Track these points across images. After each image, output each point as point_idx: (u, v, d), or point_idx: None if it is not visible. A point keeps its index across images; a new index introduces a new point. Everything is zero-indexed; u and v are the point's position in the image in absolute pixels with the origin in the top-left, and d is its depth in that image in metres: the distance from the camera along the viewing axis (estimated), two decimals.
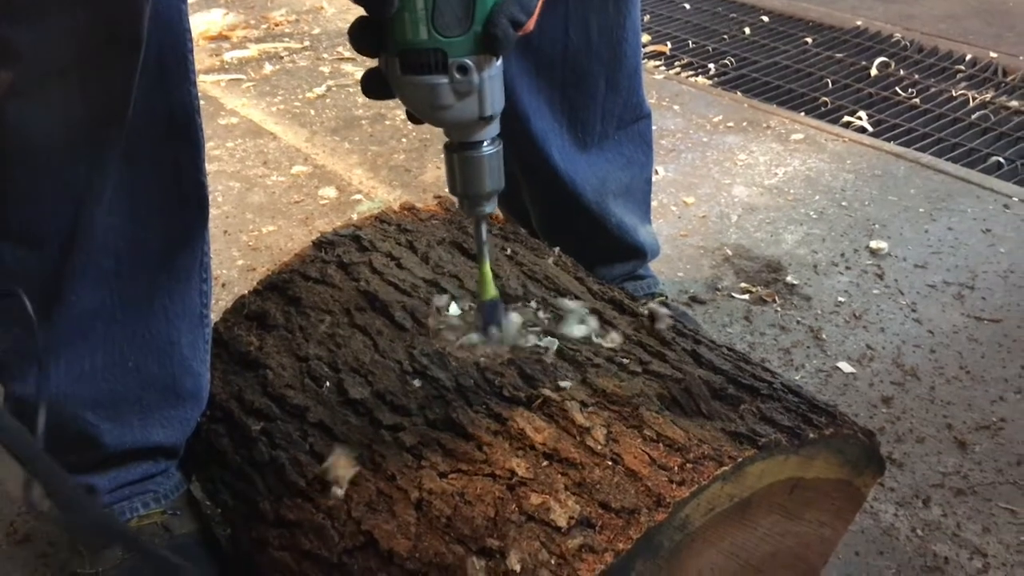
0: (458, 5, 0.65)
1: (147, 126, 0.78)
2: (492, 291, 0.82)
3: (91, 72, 0.70)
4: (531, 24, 0.68)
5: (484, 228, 0.79)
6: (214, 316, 1.00)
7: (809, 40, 2.45)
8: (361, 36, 0.68)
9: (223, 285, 1.48)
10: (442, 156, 0.76)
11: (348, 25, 0.69)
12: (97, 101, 0.72)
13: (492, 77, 0.69)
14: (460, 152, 0.74)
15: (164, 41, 0.77)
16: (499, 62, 0.70)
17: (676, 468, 0.68)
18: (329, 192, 1.76)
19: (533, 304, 0.89)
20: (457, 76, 0.67)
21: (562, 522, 0.66)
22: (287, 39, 2.54)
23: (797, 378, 1.25)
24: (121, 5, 0.68)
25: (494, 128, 0.73)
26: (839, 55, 2.35)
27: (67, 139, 0.72)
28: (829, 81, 2.21)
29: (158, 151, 0.81)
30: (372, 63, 0.72)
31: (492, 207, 0.77)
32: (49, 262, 0.78)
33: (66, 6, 0.66)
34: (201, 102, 2.23)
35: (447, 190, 0.77)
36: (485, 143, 0.73)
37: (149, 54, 0.74)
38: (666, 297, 1.26)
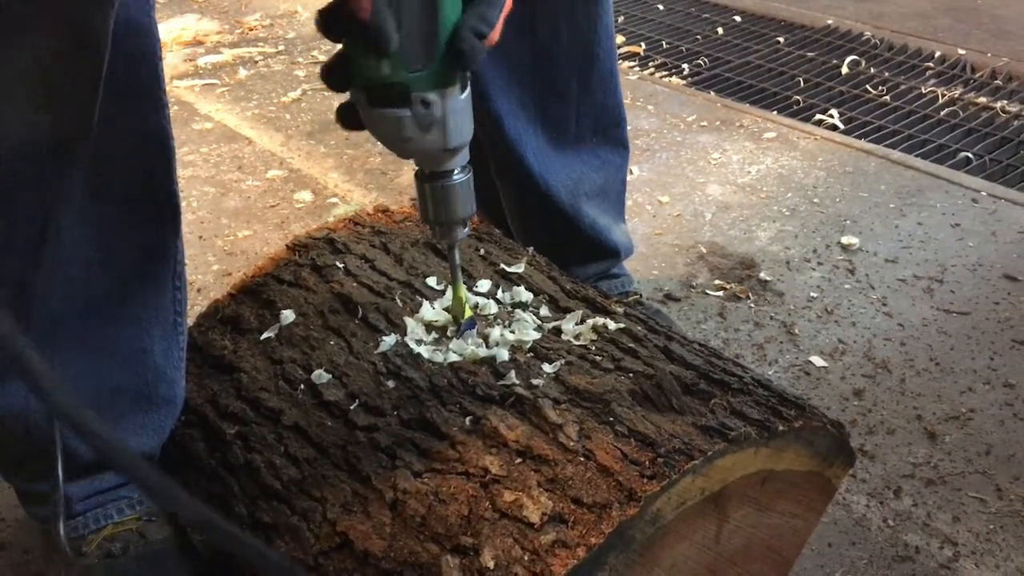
0: (418, 41, 0.66)
1: (117, 134, 0.78)
2: (467, 312, 0.84)
3: (55, 78, 0.69)
4: (495, 35, 0.68)
5: (457, 254, 0.80)
6: (190, 321, 1.00)
7: (781, 39, 2.48)
8: (333, 73, 0.69)
9: (199, 290, 1.48)
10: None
11: None
12: (62, 107, 0.72)
13: (456, 110, 0.70)
14: (431, 182, 0.75)
15: (133, 50, 0.77)
16: (464, 94, 0.70)
17: (647, 463, 0.69)
18: (305, 196, 1.76)
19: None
20: (420, 110, 0.68)
21: (535, 518, 0.67)
22: (261, 43, 2.53)
23: (770, 373, 1.26)
24: (84, 12, 0.68)
25: (463, 157, 0.74)
26: (810, 54, 2.38)
27: (32, 146, 0.72)
28: (801, 80, 2.24)
29: (129, 159, 0.81)
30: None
31: (464, 233, 0.78)
32: (17, 270, 0.78)
33: (28, 12, 0.66)
34: (175, 107, 2.21)
35: (420, 219, 0.79)
36: (455, 172, 0.74)
37: (118, 63, 0.74)
38: (640, 295, 1.27)
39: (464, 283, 0.85)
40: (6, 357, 0.42)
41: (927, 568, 0.98)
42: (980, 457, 1.13)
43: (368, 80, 0.68)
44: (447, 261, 0.95)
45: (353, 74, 0.69)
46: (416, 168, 0.76)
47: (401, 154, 0.73)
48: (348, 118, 0.72)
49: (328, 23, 0.65)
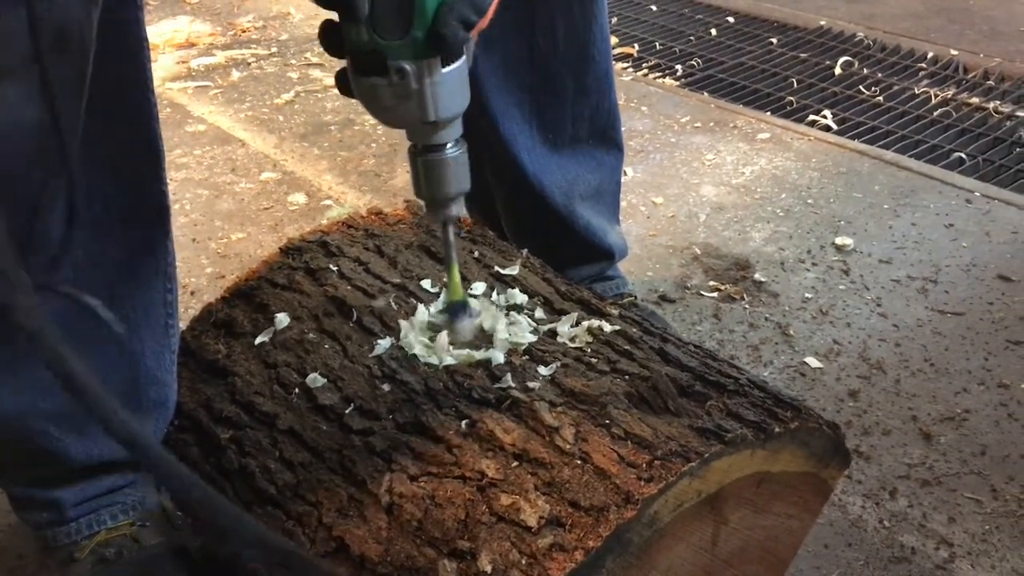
0: (394, 10, 0.65)
1: (106, 135, 0.78)
2: (460, 293, 0.83)
3: (39, 74, 0.68)
4: (485, 22, 0.67)
5: (451, 231, 0.79)
6: (183, 324, 0.99)
7: (774, 40, 2.48)
8: (327, 38, 0.69)
9: (192, 293, 1.47)
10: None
11: (316, 31, 0.70)
12: (47, 105, 0.71)
13: (437, 83, 0.68)
14: (423, 155, 0.73)
15: (121, 49, 0.76)
16: (451, 68, 0.69)
17: (644, 465, 0.69)
18: (298, 198, 1.76)
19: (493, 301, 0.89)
20: (395, 79, 0.67)
21: (532, 522, 0.67)
22: (254, 45, 2.52)
23: (766, 374, 1.26)
24: (66, 6, 0.67)
25: (455, 130, 0.73)
26: (804, 55, 2.38)
27: (16, 144, 0.71)
28: (794, 81, 2.24)
29: (117, 159, 0.81)
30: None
31: (459, 210, 0.77)
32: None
33: (8, 5, 0.65)
34: (168, 110, 2.20)
35: (413, 194, 0.78)
36: (448, 145, 0.73)
37: (107, 62, 0.74)
38: (635, 297, 1.27)
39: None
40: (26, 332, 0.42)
41: (923, 569, 0.98)
42: (975, 458, 1.13)
43: (350, 46, 0.68)
44: (442, 263, 0.95)
45: (343, 40, 0.69)
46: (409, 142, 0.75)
47: (384, 123, 0.73)
48: (343, 84, 0.71)
49: None
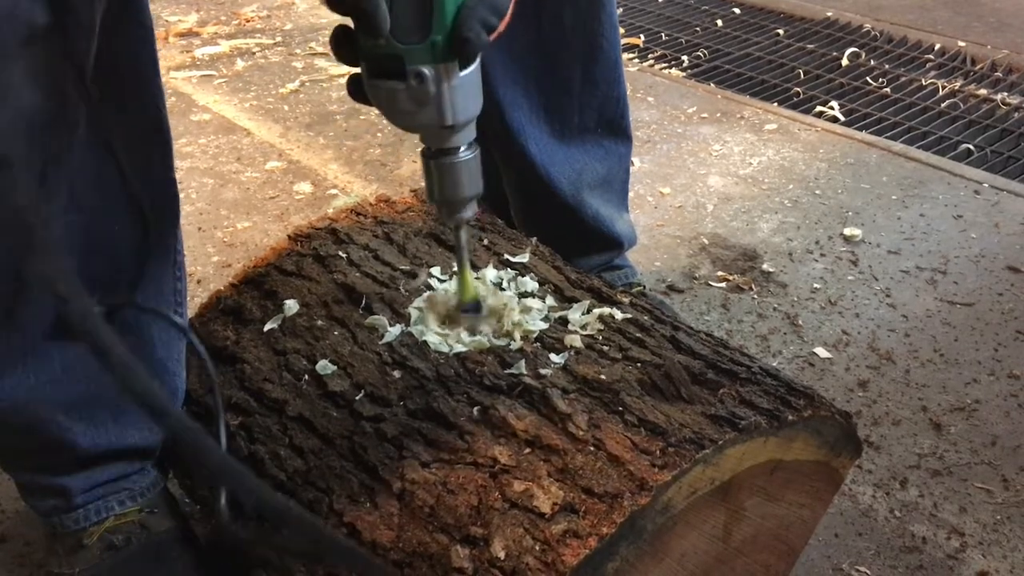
0: (415, 14, 0.64)
1: (114, 119, 0.77)
2: (472, 294, 0.83)
3: (41, 58, 0.67)
4: (503, 25, 0.67)
5: (464, 234, 0.78)
6: (190, 312, 0.99)
7: (781, 31, 2.47)
8: (340, 45, 0.68)
9: (198, 281, 1.47)
10: (418, 149, 0.76)
11: (320, 20, 0.69)
12: (50, 89, 0.70)
13: (455, 87, 0.68)
14: (436, 159, 0.73)
15: (131, 36, 0.75)
16: (467, 71, 0.68)
17: (658, 452, 0.69)
18: (304, 187, 1.75)
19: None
20: (413, 83, 0.66)
21: (546, 508, 0.66)
22: (259, 35, 2.51)
23: (775, 364, 1.26)
24: None
25: (469, 134, 0.72)
26: (810, 46, 2.37)
27: (19, 130, 0.70)
28: (801, 72, 2.23)
29: (126, 145, 0.80)
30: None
31: (471, 213, 0.76)
32: (9, 262, 0.76)
33: None
34: (172, 98, 2.20)
35: (426, 198, 0.77)
36: (461, 149, 0.72)
37: (112, 44, 0.73)
38: (644, 286, 1.27)
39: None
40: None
41: (934, 559, 0.98)
42: (986, 448, 1.12)
43: (366, 51, 0.67)
44: (452, 251, 0.95)
45: (357, 46, 0.67)
46: (422, 145, 0.75)
47: (402, 127, 0.72)
48: (356, 89, 0.70)
49: None
